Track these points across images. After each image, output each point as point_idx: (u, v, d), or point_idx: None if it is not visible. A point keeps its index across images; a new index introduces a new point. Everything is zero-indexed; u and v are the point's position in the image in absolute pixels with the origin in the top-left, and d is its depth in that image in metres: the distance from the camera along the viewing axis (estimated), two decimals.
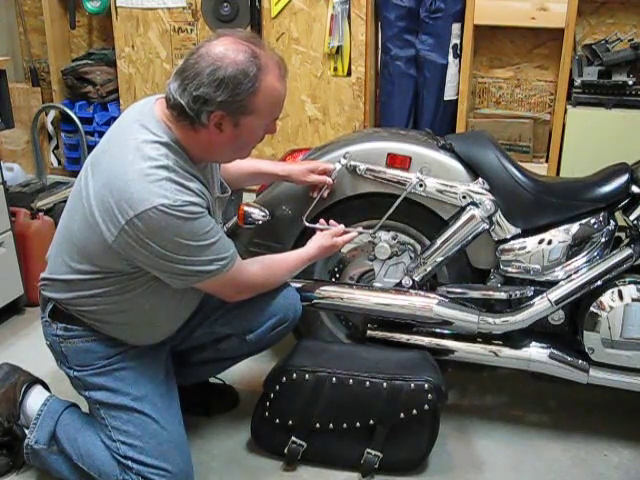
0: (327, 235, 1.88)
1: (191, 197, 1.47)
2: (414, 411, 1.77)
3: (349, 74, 3.32)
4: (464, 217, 1.91)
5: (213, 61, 1.43)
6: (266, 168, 1.95)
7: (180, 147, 1.51)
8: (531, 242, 1.91)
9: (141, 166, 1.44)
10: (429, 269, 1.99)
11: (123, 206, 1.43)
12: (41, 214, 2.66)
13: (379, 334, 2.03)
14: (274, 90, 1.50)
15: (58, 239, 1.64)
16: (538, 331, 1.95)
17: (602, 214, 1.90)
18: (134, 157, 1.45)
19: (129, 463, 1.61)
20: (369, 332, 2.04)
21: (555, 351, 1.91)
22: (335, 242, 1.87)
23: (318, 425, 1.81)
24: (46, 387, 1.86)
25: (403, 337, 2.01)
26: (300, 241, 2.06)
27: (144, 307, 1.62)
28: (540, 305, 1.89)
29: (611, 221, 1.91)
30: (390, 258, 2.05)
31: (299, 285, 1.98)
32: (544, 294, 1.90)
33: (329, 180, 1.94)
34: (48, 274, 1.66)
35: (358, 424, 1.79)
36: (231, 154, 1.62)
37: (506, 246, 1.92)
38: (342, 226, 1.92)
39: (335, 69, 3.33)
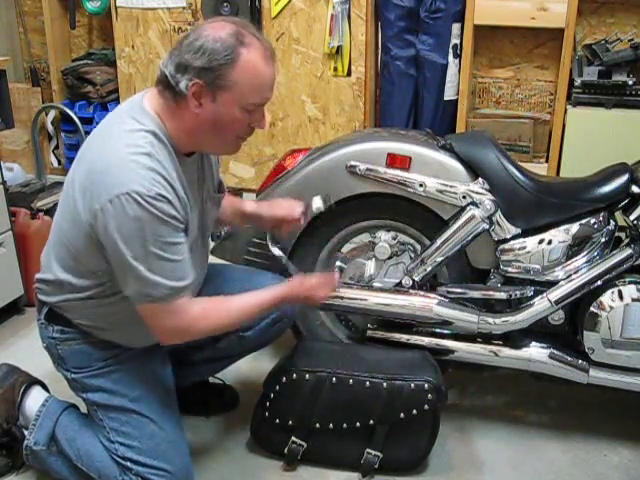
0: (307, 286, 1.66)
1: (168, 194, 1.43)
2: (414, 411, 1.77)
3: (349, 74, 3.31)
4: (464, 217, 1.91)
5: (198, 34, 1.44)
6: (240, 205, 1.87)
7: (167, 137, 1.49)
8: (531, 242, 1.91)
9: (123, 152, 1.42)
10: (429, 269, 1.98)
11: (100, 190, 1.41)
12: (41, 214, 2.66)
13: (379, 334, 2.03)
14: (254, 67, 1.44)
15: (51, 239, 1.64)
16: (538, 331, 1.95)
17: (602, 214, 1.90)
18: (117, 143, 1.45)
19: (128, 464, 1.60)
20: (369, 332, 2.04)
21: (555, 351, 1.91)
22: (313, 297, 1.67)
23: (318, 425, 1.81)
24: (45, 387, 1.86)
25: (403, 337, 2.01)
26: (300, 241, 2.07)
27: (134, 309, 1.60)
28: (540, 305, 1.89)
29: (611, 221, 1.91)
30: (390, 258, 2.05)
31: None
32: (544, 294, 1.90)
33: (297, 214, 1.81)
34: (41, 275, 1.66)
35: (358, 424, 1.79)
36: (216, 141, 1.54)
37: (506, 246, 1.92)
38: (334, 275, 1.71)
39: (335, 69, 3.33)
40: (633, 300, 1.83)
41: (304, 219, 1.86)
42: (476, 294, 1.97)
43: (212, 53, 1.41)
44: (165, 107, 1.49)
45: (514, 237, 1.92)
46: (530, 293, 1.92)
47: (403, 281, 2.01)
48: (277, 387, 1.83)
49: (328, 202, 1.83)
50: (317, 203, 1.81)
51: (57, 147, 3.96)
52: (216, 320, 1.56)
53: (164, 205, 1.41)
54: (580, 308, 1.90)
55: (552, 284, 1.90)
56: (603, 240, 1.90)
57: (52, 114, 3.86)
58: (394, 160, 1.95)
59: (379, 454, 1.80)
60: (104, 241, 1.44)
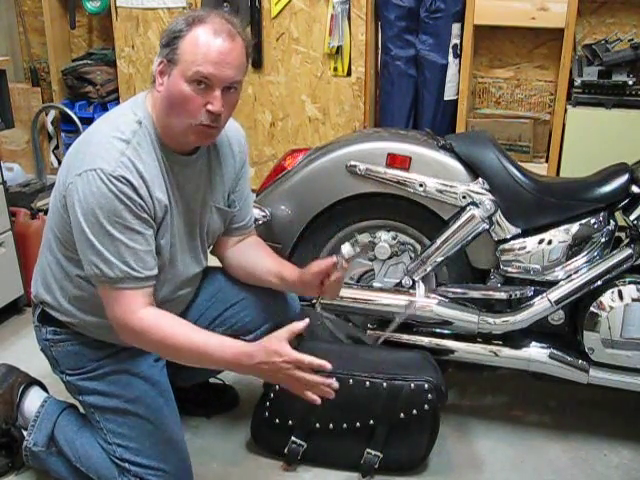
0: (281, 360, 1.44)
1: (134, 180, 1.45)
2: (414, 411, 1.76)
3: (349, 74, 3.31)
4: (464, 217, 1.91)
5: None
6: (282, 268, 1.75)
7: (153, 127, 1.52)
8: (531, 242, 1.91)
9: (107, 134, 1.48)
10: (429, 269, 1.98)
11: (75, 164, 1.47)
12: (41, 214, 2.66)
13: (379, 334, 2.03)
14: (198, 37, 1.44)
15: (44, 234, 1.65)
16: (538, 331, 1.95)
17: (602, 214, 1.90)
18: (105, 126, 1.51)
19: (126, 465, 1.60)
20: (369, 332, 2.04)
21: (555, 351, 1.91)
22: (290, 379, 1.47)
23: (318, 425, 1.81)
24: (44, 388, 1.86)
25: (403, 337, 2.00)
26: (300, 241, 2.07)
27: None
28: (540, 305, 1.89)
29: (611, 221, 1.91)
30: (390, 258, 2.05)
31: None
32: (544, 294, 1.89)
33: (332, 260, 1.64)
34: (35, 270, 1.68)
35: (358, 424, 1.79)
36: (177, 126, 1.49)
37: (506, 246, 1.92)
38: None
39: (335, 69, 3.33)
40: (633, 300, 1.83)
41: (341, 267, 1.64)
42: (476, 294, 1.97)
43: (170, 30, 1.48)
44: (152, 96, 1.54)
45: (514, 237, 1.92)
46: (530, 293, 1.92)
47: (403, 281, 2.01)
48: (277, 387, 1.83)
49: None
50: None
51: (57, 147, 3.96)
52: (161, 336, 1.46)
53: (126, 188, 1.44)
54: (580, 308, 1.90)
55: (552, 284, 1.90)
56: (603, 240, 1.90)
57: (52, 114, 3.86)
58: (394, 160, 1.95)
59: (379, 454, 1.80)
60: (70, 214, 1.47)
